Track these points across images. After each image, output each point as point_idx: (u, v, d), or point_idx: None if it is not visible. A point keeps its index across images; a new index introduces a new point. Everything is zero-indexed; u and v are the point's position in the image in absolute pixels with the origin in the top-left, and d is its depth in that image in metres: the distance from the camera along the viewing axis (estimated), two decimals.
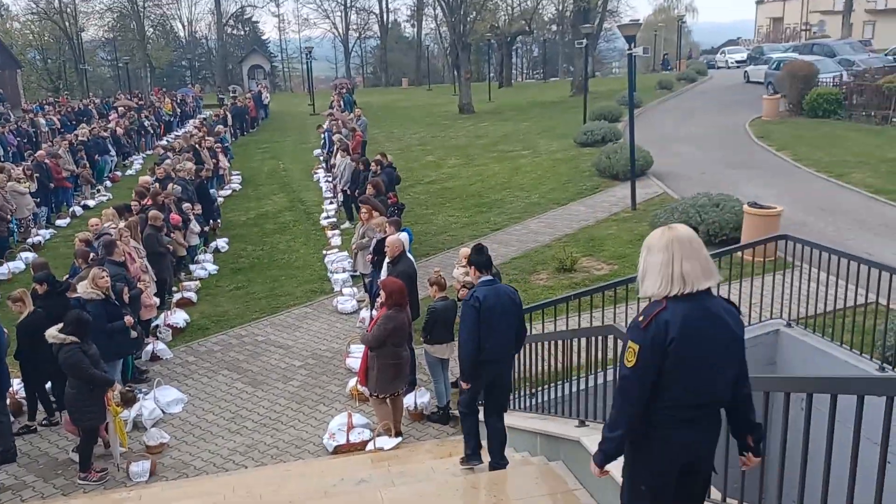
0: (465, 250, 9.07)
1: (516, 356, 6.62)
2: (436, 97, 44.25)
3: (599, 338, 5.73)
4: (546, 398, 6.77)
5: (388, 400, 7.57)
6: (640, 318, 3.19)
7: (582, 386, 6.05)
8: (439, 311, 7.90)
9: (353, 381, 8.77)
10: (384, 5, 67.42)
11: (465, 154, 23.91)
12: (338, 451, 7.63)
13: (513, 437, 6.92)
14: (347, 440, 7.68)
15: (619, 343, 5.41)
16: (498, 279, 6.42)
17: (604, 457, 3.39)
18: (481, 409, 6.27)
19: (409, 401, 8.25)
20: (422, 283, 9.15)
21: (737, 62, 45.18)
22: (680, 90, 36.11)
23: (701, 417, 3.23)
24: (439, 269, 9.08)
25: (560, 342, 6.55)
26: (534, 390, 7.20)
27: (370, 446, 7.54)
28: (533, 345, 7.02)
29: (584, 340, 6.10)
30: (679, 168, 18.64)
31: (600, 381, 5.60)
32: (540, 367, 6.97)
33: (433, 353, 8.07)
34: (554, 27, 64.75)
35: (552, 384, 6.80)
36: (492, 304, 5.72)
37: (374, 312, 8.48)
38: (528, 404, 7.23)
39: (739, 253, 9.07)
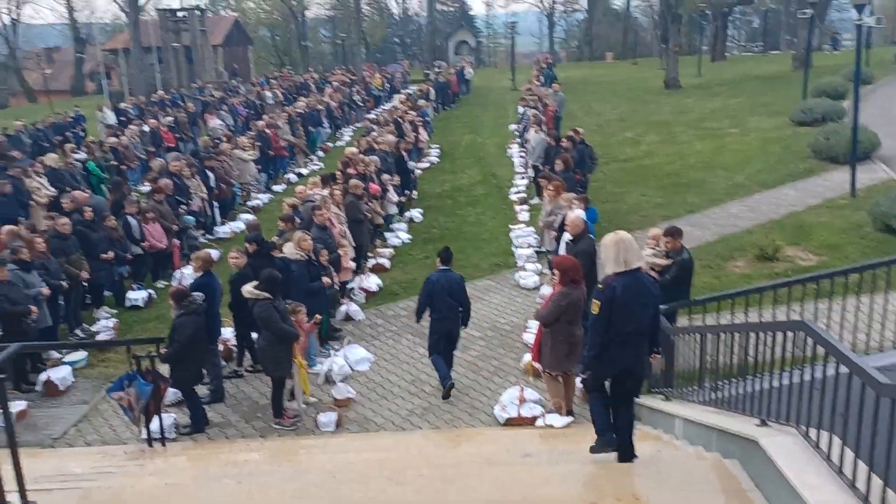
0: (656, 231, 8.78)
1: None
2: (641, 71, 42.62)
3: (787, 333, 5.30)
4: (727, 393, 6.39)
5: (560, 377, 7.55)
6: (600, 286, 5.50)
7: (766, 384, 5.65)
8: None
9: (528, 356, 8.83)
10: None
11: (667, 131, 22.91)
12: (508, 423, 7.75)
13: (688, 430, 6.64)
14: (518, 414, 7.78)
15: (809, 341, 5.03)
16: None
17: (584, 367, 5.76)
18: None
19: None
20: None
21: None
22: None
23: (634, 341, 5.52)
24: None
25: (745, 335, 6.14)
26: (717, 383, 6.83)
27: (540, 422, 7.58)
28: (718, 335, 6.64)
29: (770, 335, 5.67)
30: None
31: (785, 381, 5.20)
32: (725, 360, 6.59)
33: None
34: None
35: (735, 379, 6.40)
36: (442, 283, 8.41)
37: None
38: (708, 398, 6.87)
39: None
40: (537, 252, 12.55)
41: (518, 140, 22.19)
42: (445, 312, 8.43)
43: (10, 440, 4.84)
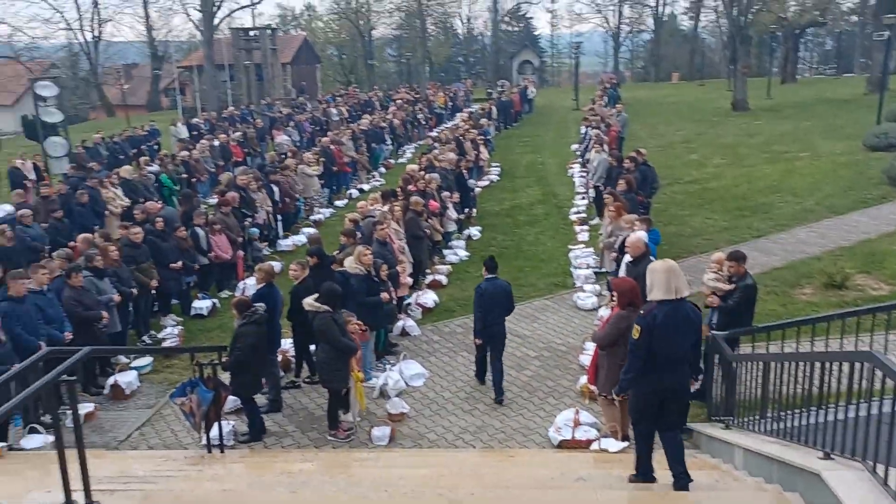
0: (720, 255, 8.59)
1: None
2: (708, 93, 41.93)
3: (854, 364, 5.12)
4: (789, 424, 6.20)
5: (616, 401, 7.43)
6: (642, 312, 5.68)
7: (831, 416, 5.46)
8: None
9: (584, 378, 8.72)
10: None
11: (733, 153, 22.46)
12: (562, 445, 7.66)
13: (748, 460, 6.46)
14: (573, 436, 7.68)
15: (878, 373, 4.85)
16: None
17: (620, 389, 6.14)
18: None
19: None
20: None
21: None
22: None
23: (675, 366, 5.68)
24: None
25: (809, 365, 5.95)
26: (780, 413, 6.62)
27: (595, 446, 7.47)
28: (782, 364, 6.45)
29: (835, 366, 5.50)
30: None
31: (851, 413, 5.02)
32: (788, 390, 6.39)
33: None
34: (854, 17, 57.86)
35: (799, 410, 6.20)
36: (491, 292, 8.72)
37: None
38: (770, 428, 6.67)
39: None
40: (596, 273, 12.43)
41: (579, 160, 22.08)
42: (493, 319, 8.73)
43: (78, 441, 5.04)
